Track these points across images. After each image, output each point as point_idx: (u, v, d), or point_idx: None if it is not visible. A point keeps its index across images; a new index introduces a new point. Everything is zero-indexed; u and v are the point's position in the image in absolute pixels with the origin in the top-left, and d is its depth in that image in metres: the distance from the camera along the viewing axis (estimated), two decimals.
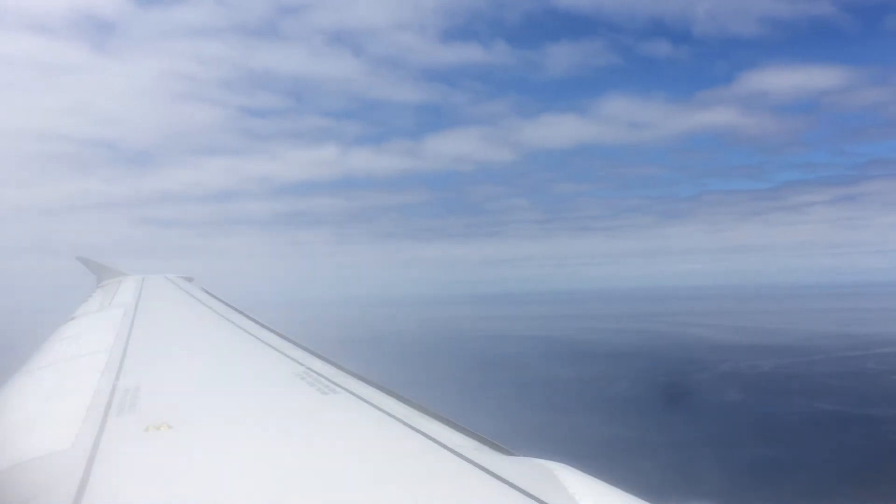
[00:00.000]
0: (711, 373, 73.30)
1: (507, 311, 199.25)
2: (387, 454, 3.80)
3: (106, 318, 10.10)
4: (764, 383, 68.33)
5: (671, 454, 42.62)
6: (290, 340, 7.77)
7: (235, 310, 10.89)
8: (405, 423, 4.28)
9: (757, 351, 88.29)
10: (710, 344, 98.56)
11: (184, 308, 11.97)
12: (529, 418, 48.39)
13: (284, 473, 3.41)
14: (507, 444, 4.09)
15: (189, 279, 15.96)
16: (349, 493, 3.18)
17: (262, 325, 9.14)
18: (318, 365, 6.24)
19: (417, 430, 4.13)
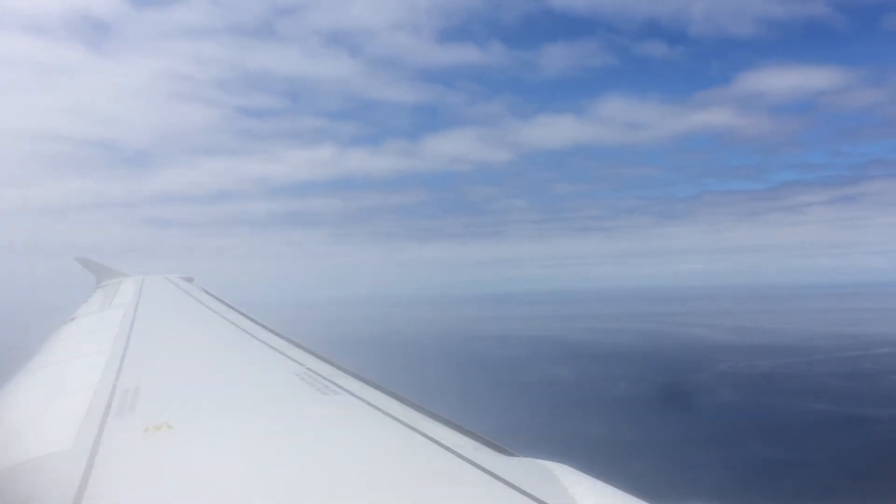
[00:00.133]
0: (710, 373, 73.35)
1: (506, 312, 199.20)
2: (387, 454, 3.80)
3: (106, 318, 10.11)
4: (762, 383, 68.37)
5: (669, 454, 42.64)
6: (289, 340, 7.77)
7: (235, 310, 10.89)
8: (405, 424, 4.29)
9: (755, 351, 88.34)
10: (708, 344, 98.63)
11: (184, 308, 11.97)
12: (528, 418, 48.39)
13: (284, 474, 3.42)
14: (507, 445, 4.10)
15: (189, 279, 15.95)
16: (349, 493, 3.19)
17: (262, 326, 9.15)
18: (317, 365, 6.24)
19: (417, 431, 4.13)
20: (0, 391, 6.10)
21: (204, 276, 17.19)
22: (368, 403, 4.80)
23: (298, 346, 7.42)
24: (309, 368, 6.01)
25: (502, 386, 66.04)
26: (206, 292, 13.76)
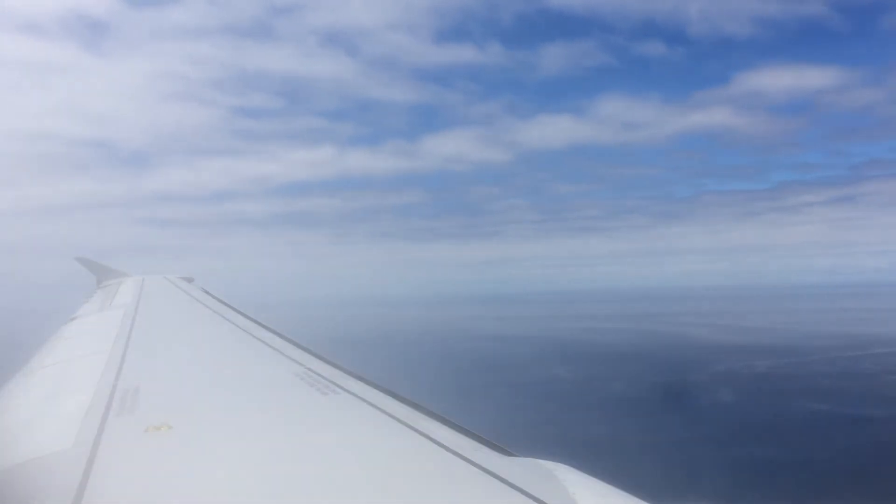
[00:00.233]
0: (708, 373, 73.35)
1: (504, 312, 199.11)
2: (387, 454, 3.80)
3: (106, 318, 10.11)
4: (760, 384, 68.37)
5: (667, 454, 42.63)
6: (289, 340, 7.77)
7: (235, 310, 10.89)
8: (405, 424, 4.29)
9: (753, 351, 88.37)
10: (707, 344, 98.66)
11: (184, 308, 11.96)
12: (527, 418, 48.41)
13: (284, 474, 3.42)
14: (507, 445, 4.10)
15: (189, 279, 15.95)
16: (349, 493, 3.19)
17: (262, 325, 9.14)
18: (317, 365, 6.24)
19: (417, 430, 4.13)
20: (0, 391, 6.10)
21: (204, 275, 17.19)
22: (368, 403, 4.80)
23: (298, 346, 7.41)
24: (309, 368, 6.00)
25: (501, 386, 66.07)
26: (206, 292, 13.76)
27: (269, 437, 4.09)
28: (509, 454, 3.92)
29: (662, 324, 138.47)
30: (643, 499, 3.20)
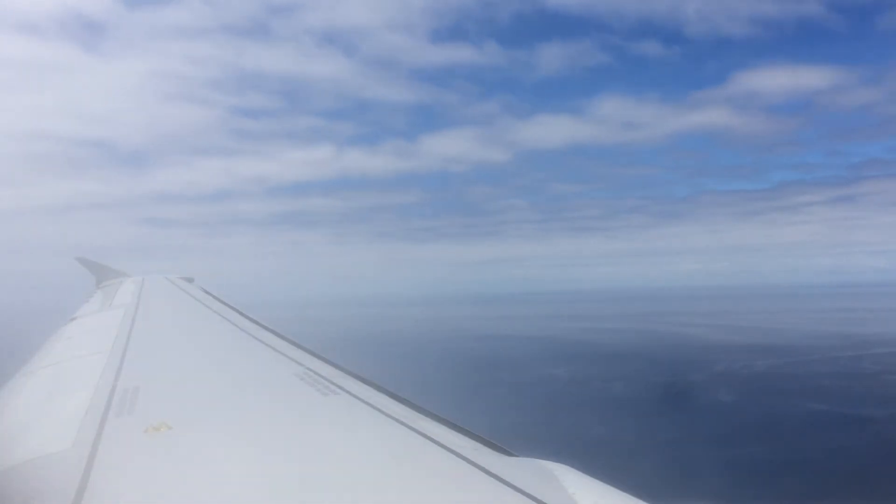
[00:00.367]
0: (707, 373, 73.37)
1: (503, 312, 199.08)
2: (387, 455, 3.80)
3: (106, 318, 10.09)
4: (758, 383, 68.37)
5: (666, 454, 42.66)
6: (289, 341, 7.76)
7: (235, 310, 10.88)
8: (405, 424, 4.28)
9: (752, 351, 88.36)
10: (706, 344, 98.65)
11: (184, 309, 11.95)
12: (526, 418, 48.41)
13: (284, 474, 3.42)
14: (506, 445, 4.10)
15: (189, 279, 15.92)
16: (349, 493, 3.19)
17: (262, 326, 9.13)
18: (317, 365, 6.23)
19: (417, 431, 4.13)
20: (0, 391, 6.10)
21: (203, 275, 17.16)
22: (368, 404, 4.80)
23: (298, 346, 7.41)
24: (309, 369, 6.00)
25: (500, 386, 66.07)
26: (206, 292, 13.75)
27: (269, 438, 4.09)
28: (509, 454, 3.92)
29: (661, 323, 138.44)
30: (643, 499, 3.20)
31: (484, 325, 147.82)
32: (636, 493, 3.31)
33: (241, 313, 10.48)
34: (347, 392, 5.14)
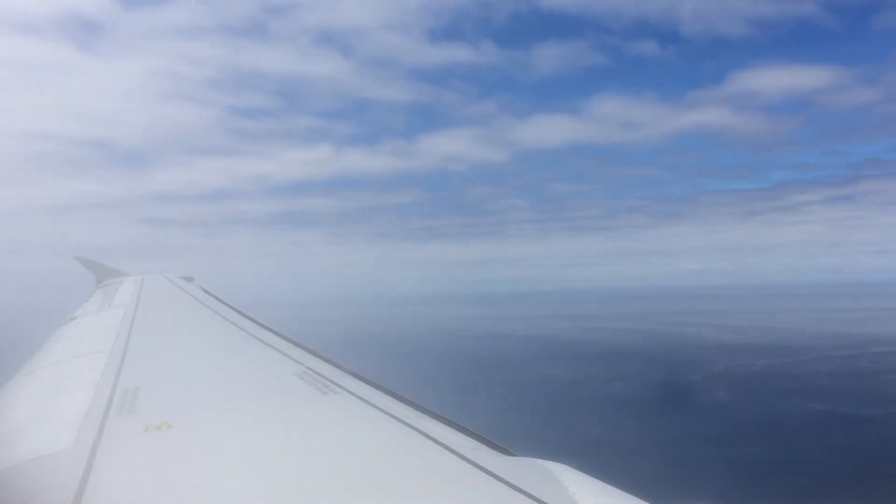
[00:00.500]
0: (706, 373, 73.43)
1: (502, 311, 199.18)
2: (387, 454, 3.80)
3: (106, 318, 10.08)
4: (757, 383, 68.47)
5: (665, 454, 42.69)
6: (289, 340, 7.76)
7: (235, 309, 10.87)
8: (405, 423, 4.28)
9: (751, 351, 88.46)
10: (705, 344, 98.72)
11: (183, 308, 11.94)
12: (526, 418, 48.44)
13: (284, 473, 3.42)
14: (506, 444, 4.11)
15: (189, 279, 15.90)
16: (349, 492, 3.20)
17: (262, 325, 9.12)
18: (317, 364, 6.23)
19: (417, 430, 4.13)
20: (0, 391, 6.09)
21: (203, 275, 17.15)
22: (368, 403, 4.80)
23: (298, 345, 7.40)
24: (309, 368, 6.00)
25: (499, 385, 66.07)
26: (206, 292, 13.73)
27: (269, 437, 4.09)
28: (509, 454, 3.92)
29: (660, 323, 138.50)
30: (643, 499, 3.20)
31: (483, 324, 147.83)
32: (635, 492, 3.31)
33: (240, 313, 10.47)
34: (347, 391, 5.14)
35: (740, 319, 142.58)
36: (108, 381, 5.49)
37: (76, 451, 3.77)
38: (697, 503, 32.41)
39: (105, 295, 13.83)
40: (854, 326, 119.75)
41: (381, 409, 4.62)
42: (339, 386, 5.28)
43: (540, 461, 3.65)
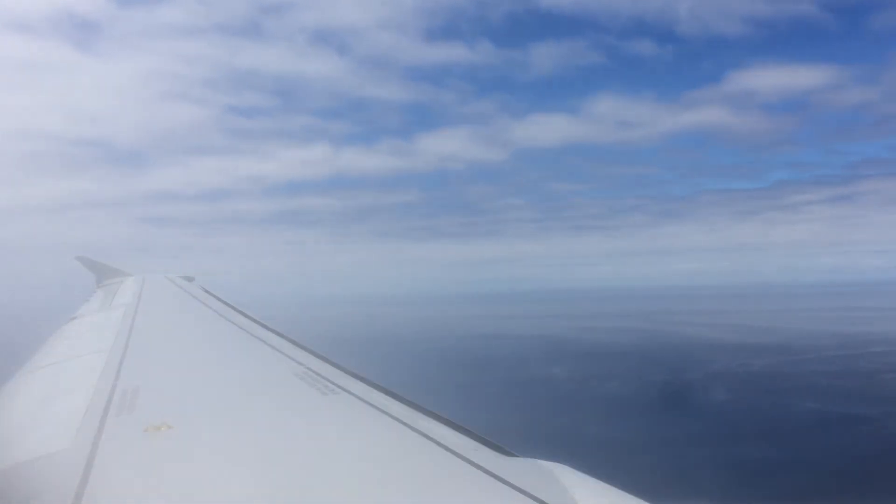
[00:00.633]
0: (704, 372, 73.40)
1: (501, 310, 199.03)
2: (387, 454, 3.80)
3: (106, 318, 10.08)
4: (755, 383, 68.43)
5: (665, 453, 42.70)
6: (289, 340, 7.75)
7: (235, 309, 10.87)
8: (405, 424, 4.29)
9: (750, 350, 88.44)
10: (704, 343, 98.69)
11: (184, 308, 11.94)
12: (525, 417, 48.41)
13: (284, 474, 3.42)
14: (506, 445, 4.11)
15: (189, 279, 15.89)
16: (349, 493, 3.20)
17: (262, 325, 9.12)
18: (317, 365, 6.23)
19: (417, 431, 4.13)
20: (0, 391, 6.09)
21: (203, 273, 17.14)
22: (368, 403, 4.80)
23: (298, 345, 7.40)
24: (309, 368, 6.00)
25: (499, 385, 66.07)
26: (207, 292, 13.74)
27: (269, 437, 4.09)
28: (509, 454, 3.92)
29: (659, 322, 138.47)
30: (643, 499, 3.20)
31: (482, 323, 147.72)
32: (635, 492, 3.31)
33: (241, 312, 10.47)
34: (347, 391, 5.14)
35: (739, 319, 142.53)
36: (108, 380, 5.49)
37: (76, 451, 3.77)
38: (697, 503, 32.41)
39: (105, 295, 13.83)
40: (853, 326, 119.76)
41: (381, 410, 4.62)
42: (339, 386, 5.28)
43: (540, 461, 3.66)
